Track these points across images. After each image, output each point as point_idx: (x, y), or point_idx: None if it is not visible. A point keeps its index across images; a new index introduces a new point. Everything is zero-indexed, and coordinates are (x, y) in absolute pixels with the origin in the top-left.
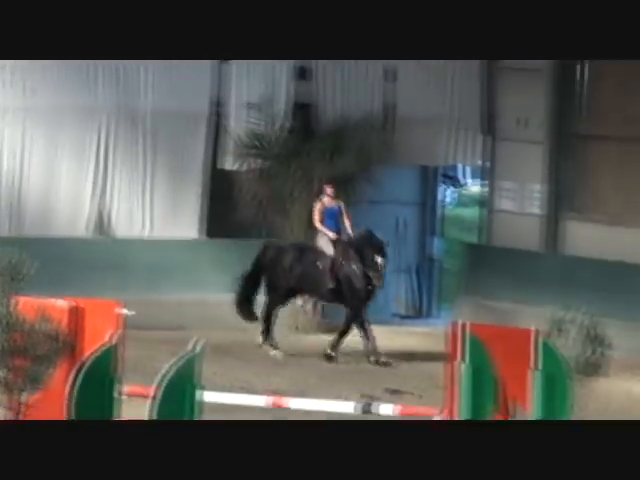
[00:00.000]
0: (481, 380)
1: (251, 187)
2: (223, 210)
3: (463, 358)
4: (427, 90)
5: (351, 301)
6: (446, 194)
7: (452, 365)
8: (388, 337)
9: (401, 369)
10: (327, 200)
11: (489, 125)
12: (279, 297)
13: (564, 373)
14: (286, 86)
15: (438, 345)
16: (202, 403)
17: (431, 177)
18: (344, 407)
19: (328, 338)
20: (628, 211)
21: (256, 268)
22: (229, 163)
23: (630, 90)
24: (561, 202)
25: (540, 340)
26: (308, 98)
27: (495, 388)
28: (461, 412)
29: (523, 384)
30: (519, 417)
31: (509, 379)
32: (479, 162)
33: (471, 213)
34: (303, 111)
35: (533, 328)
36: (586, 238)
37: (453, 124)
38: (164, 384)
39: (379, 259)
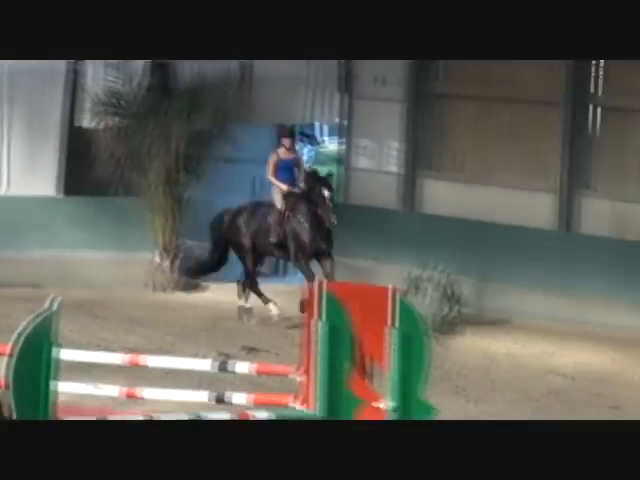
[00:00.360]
0: (338, 338)
1: (108, 145)
2: (80, 168)
3: (320, 316)
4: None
5: (295, 255)
6: (303, 152)
7: (309, 323)
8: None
9: (258, 327)
10: (283, 152)
11: (346, 83)
12: (250, 258)
13: (421, 331)
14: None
15: (294, 302)
16: (59, 361)
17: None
18: (201, 365)
19: (186, 295)
20: (484, 170)
21: (219, 238)
22: (86, 121)
23: None
24: (418, 160)
25: (397, 298)
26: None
27: (352, 346)
28: (318, 370)
29: (380, 342)
30: (376, 374)
31: (366, 337)
32: (336, 120)
33: (329, 170)
34: (160, 69)
35: (390, 286)
36: (443, 196)
37: (310, 83)
38: (21, 342)
39: (326, 192)
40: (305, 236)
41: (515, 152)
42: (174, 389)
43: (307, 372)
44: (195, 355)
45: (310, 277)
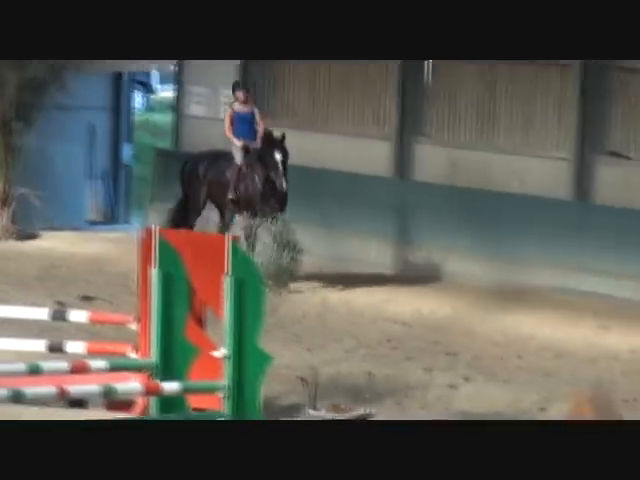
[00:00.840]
0: (173, 286)
1: None
2: None
3: (154, 264)
4: None
5: (245, 211)
6: (137, 100)
7: (144, 272)
8: (80, 243)
9: (93, 274)
10: (238, 106)
11: None
12: (197, 208)
13: (256, 279)
14: None
15: (131, 252)
16: None
17: (123, 84)
18: (37, 314)
19: (20, 244)
20: (318, 117)
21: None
22: None
23: None
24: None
25: (232, 246)
26: None
27: (188, 293)
28: (153, 319)
29: (216, 289)
30: (211, 322)
31: (202, 284)
32: (170, 67)
33: (162, 118)
34: None
35: (226, 234)
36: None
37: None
38: None
39: (278, 156)
40: (257, 198)
41: (350, 101)
42: (10, 338)
43: (143, 321)
44: (31, 304)
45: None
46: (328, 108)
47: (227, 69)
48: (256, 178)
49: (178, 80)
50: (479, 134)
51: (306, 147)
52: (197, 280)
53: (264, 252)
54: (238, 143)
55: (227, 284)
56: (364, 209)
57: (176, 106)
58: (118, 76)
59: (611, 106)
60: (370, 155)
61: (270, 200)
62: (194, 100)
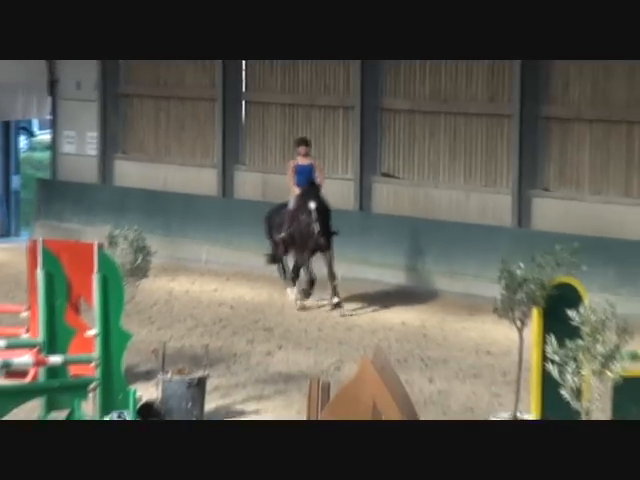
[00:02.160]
0: (54, 282)
1: None
2: None
3: (40, 266)
4: (9, 64)
5: (299, 249)
6: (22, 141)
7: (32, 272)
8: None
9: None
10: (300, 159)
11: (51, 88)
12: (278, 248)
13: (118, 275)
14: None
15: (21, 258)
16: None
17: (11, 129)
18: None
19: None
20: (162, 151)
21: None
22: None
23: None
24: (109, 145)
25: (99, 251)
26: None
27: (67, 288)
28: (41, 308)
29: (88, 284)
30: (85, 309)
31: (77, 281)
32: (47, 116)
33: (42, 155)
34: None
35: (95, 242)
36: (131, 172)
37: (25, 88)
38: None
39: (312, 204)
40: (304, 231)
41: (185, 137)
42: None
43: (32, 309)
44: None
45: (305, 266)
46: (169, 143)
47: (90, 116)
48: (303, 220)
49: (53, 125)
50: (283, 161)
51: (152, 174)
52: (73, 277)
53: (123, 255)
54: (296, 190)
55: (96, 280)
56: (197, 221)
57: (52, 145)
58: (6, 124)
59: (383, 139)
60: (201, 180)
61: (309, 239)
62: (65, 141)
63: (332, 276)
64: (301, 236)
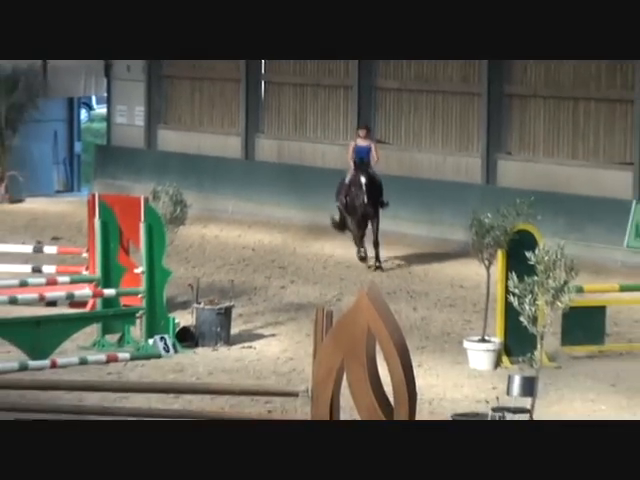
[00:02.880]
0: (109, 229)
1: None
2: None
3: (97, 216)
4: None
5: (352, 216)
6: (83, 114)
7: (91, 221)
8: (52, 205)
9: (59, 223)
10: (359, 140)
11: (107, 70)
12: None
13: (160, 223)
14: None
15: (82, 209)
16: None
17: (74, 104)
18: (24, 249)
19: (12, 205)
20: (198, 121)
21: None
22: None
23: None
24: (154, 117)
25: (145, 203)
26: None
27: (119, 234)
28: (98, 250)
29: (136, 231)
30: (134, 251)
31: (127, 228)
32: (104, 93)
33: (99, 126)
34: None
35: (142, 196)
36: (171, 139)
37: (85, 70)
38: None
39: (362, 179)
40: (357, 203)
41: (215, 111)
42: (7, 264)
43: (91, 251)
44: (21, 243)
45: (361, 235)
46: (202, 116)
47: (138, 93)
48: (357, 193)
49: (108, 101)
50: (295, 130)
51: (188, 141)
52: (124, 225)
53: (164, 207)
54: (352, 167)
55: (142, 227)
56: (225, 179)
57: (107, 117)
58: (70, 100)
59: (376, 113)
60: (228, 145)
61: (359, 207)
62: (118, 113)
63: (376, 243)
64: (353, 205)
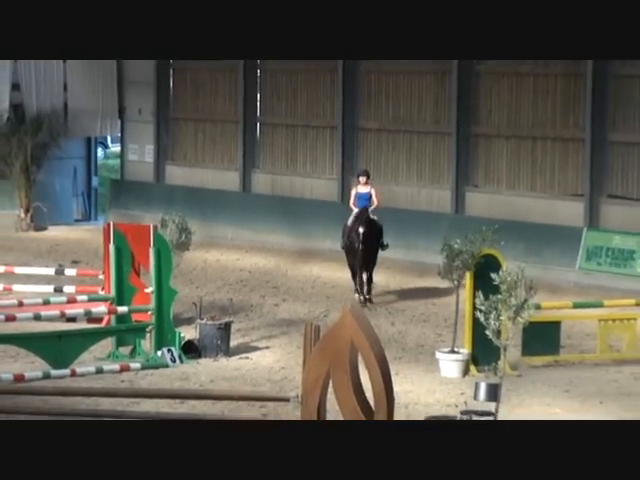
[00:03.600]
0: (122, 254)
1: None
2: None
3: (111, 242)
4: (89, 95)
5: (351, 257)
6: (99, 152)
7: (106, 247)
8: (72, 232)
9: (78, 249)
10: (360, 187)
11: (120, 113)
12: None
13: (168, 248)
14: (7, 93)
15: (98, 235)
16: None
17: (92, 143)
18: (47, 271)
19: (36, 233)
20: (201, 158)
21: None
22: None
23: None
24: (162, 154)
25: (154, 231)
26: (19, 100)
27: (131, 258)
28: (112, 272)
29: (146, 255)
30: (144, 273)
31: (138, 253)
32: (117, 134)
33: (114, 162)
34: (17, 108)
35: (151, 224)
36: (177, 174)
37: (101, 113)
38: None
39: (361, 229)
40: (357, 245)
41: (216, 149)
42: (32, 285)
43: (106, 273)
44: (44, 266)
45: (355, 274)
46: (204, 153)
47: (148, 134)
48: (355, 236)
49: (122, 140)
50: (287, 166)
51: (192, 176)
52: (135, 250)
53: (171, 234)
54: (355, 212)
55: (152, 252)
56: (225, 209)
57: (121, 155)
58: (88, 139)
59: (358, 150)
60: (227, 179)
61: (356, 254)
62: (130, 151)
63: (369, 280)
64: (352, 248)
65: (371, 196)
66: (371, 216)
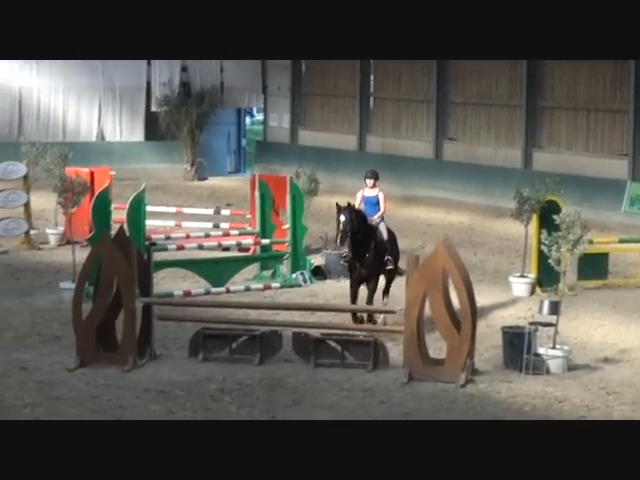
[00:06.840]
0: (265, 199)
1: (165, 118)
2: (153, 128)
3: (257, 189)
4: (240, 75)
5: (349, 273)
6: (247, 119)
7: (253, 193)
8: (226, 182)
9: (231, 195)
10: (367, 190)
11: (264, 89)
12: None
13: (301, 194)
14: (178, 74)
15: (246, 184)
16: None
17: (242, 112)
18: (207, 211)
19: (199, 183)
20: (326, 124)
21: None
22: (156, 106)
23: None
24: (296, 122)
25: (290, 181)
26: (187, 79)
27: (272, 202)
28: (257, 213)
29: (284, 200)
30: (282, 213)
31: (277, 197)
32: (261, 105)
33: (258, 128)
34: (185, 85)
35: (288, 176)
36: (308, 137)
37: (249, 89)
38: (130, 204)
39: (342, 217)
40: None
41: (336, 118)
42: (196, 222)
43: (253, 214)
44: (205, 207)
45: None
46: (328, 120)
47: (285, 105)
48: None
49: (264, 110)
50: (393, 131)
51: (319, 138)
52: (275, 196)
53: (303, 183)
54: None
55: (288, 197)
56: (345, 165)
57: (264, 122)
58: (239, 109)
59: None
60: (347, 141)
61: (354, 271)
62: (271, 119)
63: (369, 304)
64: (352, 264)
65: (379, 201)
66: (381, 224)
